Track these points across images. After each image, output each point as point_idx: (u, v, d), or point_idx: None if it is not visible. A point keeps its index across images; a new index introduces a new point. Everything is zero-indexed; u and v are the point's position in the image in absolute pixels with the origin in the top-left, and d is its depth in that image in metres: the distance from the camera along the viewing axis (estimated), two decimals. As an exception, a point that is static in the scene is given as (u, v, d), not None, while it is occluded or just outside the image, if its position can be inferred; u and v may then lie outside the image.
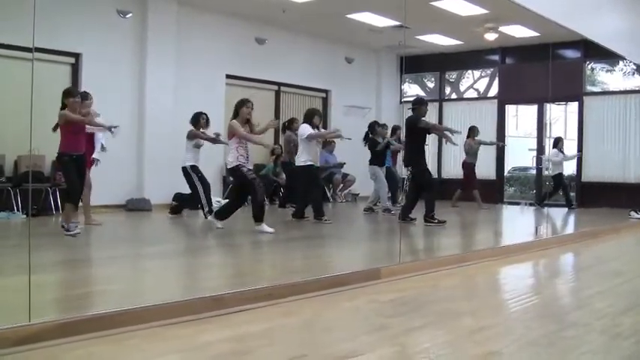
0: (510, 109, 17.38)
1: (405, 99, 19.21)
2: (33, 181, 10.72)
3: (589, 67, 17.08)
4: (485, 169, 16.04)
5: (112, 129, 9.11)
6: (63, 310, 4.32)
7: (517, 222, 13.57)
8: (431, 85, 19.85)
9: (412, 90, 20.47)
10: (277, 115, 15.38)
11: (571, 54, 16.41)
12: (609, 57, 15.06)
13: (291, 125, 12.79)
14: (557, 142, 15.14)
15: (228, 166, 9.01)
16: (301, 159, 10.41)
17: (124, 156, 12.15)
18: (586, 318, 4.67)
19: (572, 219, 13.54)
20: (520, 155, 20.15)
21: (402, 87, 19.23)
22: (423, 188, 10.34)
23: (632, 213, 12.99)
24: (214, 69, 14.02)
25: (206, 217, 10.27)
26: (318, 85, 16.64)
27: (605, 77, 18.22)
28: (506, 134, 17.51)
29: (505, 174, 18.05)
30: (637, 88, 16.61)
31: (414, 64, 18.41)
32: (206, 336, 3.94)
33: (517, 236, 9.67)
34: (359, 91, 17.36)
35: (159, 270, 6.23)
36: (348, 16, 14.07)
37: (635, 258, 8.72)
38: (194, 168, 10.59)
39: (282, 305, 4.75)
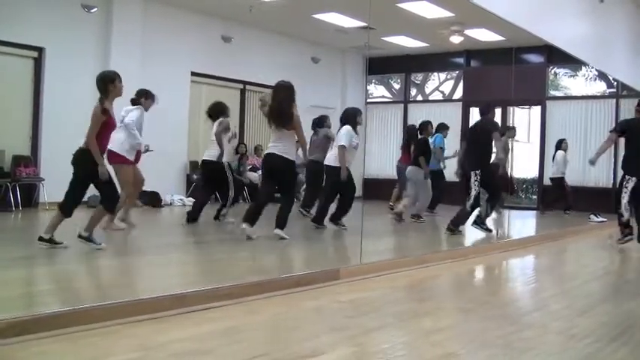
0: (475, 112, 17.44)
1: (370, 100, 19.28)
2: (-8, 177, 10.60)
3: (552, 71, 17.33)
4: (447, 172, 16.08)
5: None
6: (18, 307, 4.26)
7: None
8: (397, 86, 19.93)
9: (378, 91, 20.56)
10: (242, 114, 15.36)
11: (535, 58, 16.63)
12: (572, 62, 15.27)
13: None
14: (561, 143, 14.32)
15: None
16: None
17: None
18: (542, 319, 4.75)
19: (533, 222, 13.70)
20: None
21: (368, 88, 19.29)
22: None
23: (592, 217, 13.15)
24: (179, 66, 13.91)
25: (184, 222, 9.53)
26: (283, 85, 16.57)
27: (568, 82, 18.48)
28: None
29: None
30: (599, 94, 16.90)
31: (379, 65, 18.46)
32: (165, 335, 3.91)
33: (477, 238, 9.72)
34: (324, 90, 17.33)
35: (118, 268, 6.18)
36: (315, 15, 14.09)
37: (593, 261, 8.85)
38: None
39: (244, 304, 4.74)
